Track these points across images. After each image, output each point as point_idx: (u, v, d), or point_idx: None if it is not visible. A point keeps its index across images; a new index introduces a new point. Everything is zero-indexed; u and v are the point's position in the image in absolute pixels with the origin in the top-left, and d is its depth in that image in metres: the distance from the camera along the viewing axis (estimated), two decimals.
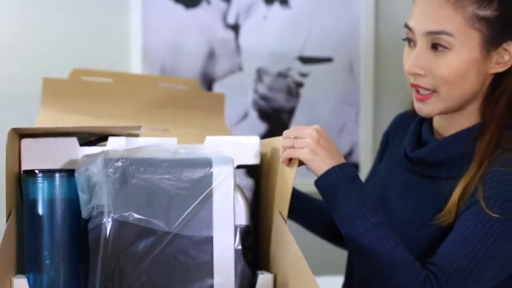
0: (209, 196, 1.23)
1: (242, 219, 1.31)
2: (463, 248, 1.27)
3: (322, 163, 1.31)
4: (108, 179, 1.21)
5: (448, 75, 1.34)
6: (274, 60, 2.15)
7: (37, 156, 1.28)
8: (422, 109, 1.39)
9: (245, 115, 2.17)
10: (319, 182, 1.32)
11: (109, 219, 1.21)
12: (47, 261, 1.24)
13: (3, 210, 1.24)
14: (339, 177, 1.30)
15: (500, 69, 1.37)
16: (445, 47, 1.33)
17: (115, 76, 1.84)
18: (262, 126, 2.20)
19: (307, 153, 1.30)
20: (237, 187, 1.29)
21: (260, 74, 2.19)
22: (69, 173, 1.25)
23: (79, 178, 1.23)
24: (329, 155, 1.31)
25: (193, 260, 1.23)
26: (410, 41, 1.38)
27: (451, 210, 1.33)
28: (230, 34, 2.18)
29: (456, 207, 1.32)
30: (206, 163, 1.24)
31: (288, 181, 1.30)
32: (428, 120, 1.47)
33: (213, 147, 1.30)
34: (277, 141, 1.39)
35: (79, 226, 1.25)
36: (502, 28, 1.34)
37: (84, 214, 1.23)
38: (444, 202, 1.35)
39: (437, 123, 1.45)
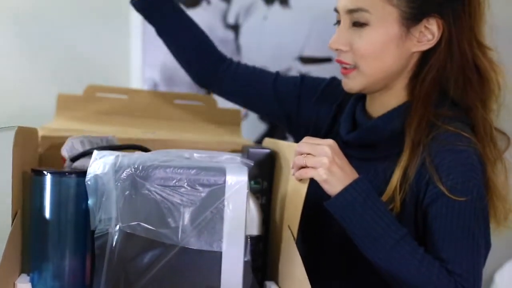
0: (221, 208, 1.20)
1: (254, 230, 1.29)
2: (461, 245, 1.28)
3: (338, 183, 1.27)
4: (117, 185, 1.19)
5: (365, 49, 1.37)
6: (274, 60, 2.14)
7: None
8: (346, 83, 1.43)
9: (245, 115, 2.16)
10: (332, 204, 1.28)
11: (116, 229, 1.19)
12: (53, 260, 1.24)
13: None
14: (354, 198, 1.26)
15: (423, 47, 1.38)
16: (364, 23, 1.36)
17: (130, 92, 1.84)
18: (262, 126, 2.19)
19: (323, 173, 1.26)
20: (250, 194, 1.24)
21: None
22: (78, 174, 1.24)
23: (89, 185, 1.22)
24: (343, 174, 1.27)
25: (201, 273, 1.20)
26: (339, 22, 1.42)
27: (393, 195, 1.34)
28: (230, 34, 2.17)
29: (399, 192, 1.33)
30: (220, 172, 1.20)
31: (300, 196, 1.26)
32: (361, 102, 1.48)
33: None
34: (283, 147, 1.37)
35: (86, 226, 1.24)
36: (419, 4, 1.36)
37: (92, 226, 1.23)
38: (383, 183, 1.36)
39: (368, 105, 1.47)
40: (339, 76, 1.48)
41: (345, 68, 1.41)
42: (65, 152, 1.40)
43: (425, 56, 1.40)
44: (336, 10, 1.42)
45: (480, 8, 1.40)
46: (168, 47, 1.71)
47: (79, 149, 1.40)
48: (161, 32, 1.69)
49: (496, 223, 1.40)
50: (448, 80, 1.39)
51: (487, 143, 1.38)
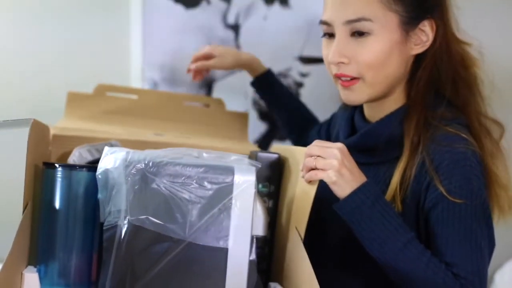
0: (229, 206, 1.21)
1: (260, 230, 1.28)
2: (464, 248, 1.29)
3: (347, 186, 1.28)
4: (127, 180, 1.20)
5: (372, 59, 1.35)
6: (274, 60, 2.14)
7: None
8: (349, 96, 1.41)
9: None
10: (341, 206, 1.29)
11: (125, 222, 1.20)
12: (60, 253, 1.25)
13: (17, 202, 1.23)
14: (362, 202, 1.27)
15: (420, 49, 1.40)
16: (366, 33, 1.35)
17: (140, 92, 1.84)
18: (262, 126, 2.19)
19: (332, 175, 1.27)
20: (258, 196, 1.26)
21: None
22: (88, 168, 1.25)
23: (100, 179, 1.23)
24: (352, 177, 1.28)
25: (206, 269, 1.21)
26: (329, 35, 1.40)
27: (393, 196, 1.35)
28: (230, 34, 2.18)
29: (399, 193, 1.34)
30: (228, 171, 1.21)
31: (308, 198, 1.27)
32: (360, 108, 1.49)
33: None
34: (296, 151, 1.38)
35: (95, 220, 1.25)
36: (416, 7, 1.37)
37: (102, 219, 1.23)
38: (383, 187, 1.37)
39: (367, 110, 1.48)
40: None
41: (347, 81, 1.39)
42: (72, 162, 1.41)
43: (418, 59, 1.41)
44: (324, 23, 1.40)
45: (450, 5, 1.43)
46: (276, 114, 1.93)
47: (88, 157, 1.41)
48: (271, 105, 1.91)
49: (501, 213, 1.41)
50: (442, 80, 1.41)
51: (484, 135, 1.40)
